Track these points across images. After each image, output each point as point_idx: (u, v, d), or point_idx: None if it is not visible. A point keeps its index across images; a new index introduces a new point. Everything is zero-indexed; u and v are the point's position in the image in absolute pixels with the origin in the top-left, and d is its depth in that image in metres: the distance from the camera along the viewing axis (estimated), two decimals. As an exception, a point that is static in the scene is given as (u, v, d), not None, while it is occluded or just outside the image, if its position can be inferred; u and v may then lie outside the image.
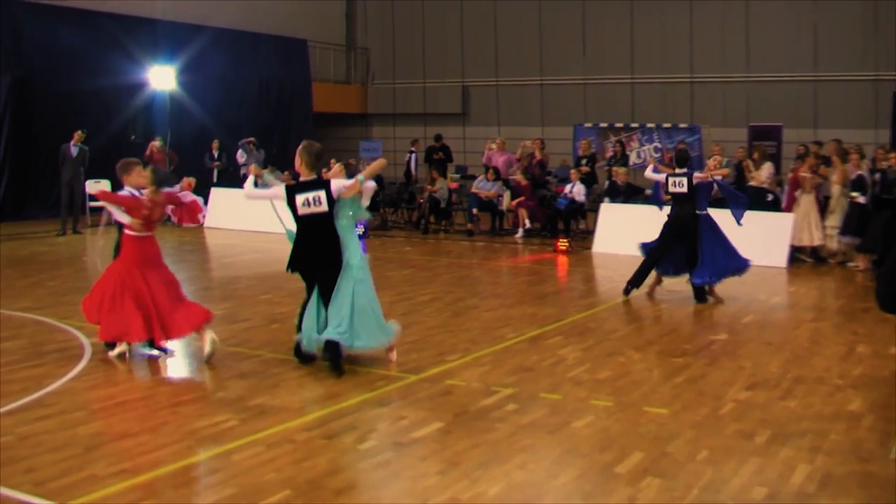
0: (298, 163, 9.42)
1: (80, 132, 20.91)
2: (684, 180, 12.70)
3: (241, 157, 24.63)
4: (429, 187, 21.91)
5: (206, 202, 22.71)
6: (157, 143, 23.01)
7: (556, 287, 14.86)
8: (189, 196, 9.98)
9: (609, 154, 23.21)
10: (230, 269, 16.58)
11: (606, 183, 20.72)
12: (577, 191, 19.98)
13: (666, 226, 12.94)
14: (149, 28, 26.10)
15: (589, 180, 21.05)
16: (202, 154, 24.89)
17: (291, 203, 9.14)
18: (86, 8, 24.82)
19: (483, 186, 21.28)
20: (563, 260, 17.30)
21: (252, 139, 25.15)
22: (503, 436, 7.08)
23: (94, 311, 9.37)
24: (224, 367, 9.20)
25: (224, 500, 5.82)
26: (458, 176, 25.78)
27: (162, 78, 24.11)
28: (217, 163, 24.72)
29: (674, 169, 13.14)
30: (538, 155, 21.88)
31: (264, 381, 8.60)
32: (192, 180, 10.17)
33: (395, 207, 23.62)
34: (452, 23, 31.39)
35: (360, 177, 9.45)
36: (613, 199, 19.40)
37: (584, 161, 21.69)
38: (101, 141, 22.32)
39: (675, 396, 8.18)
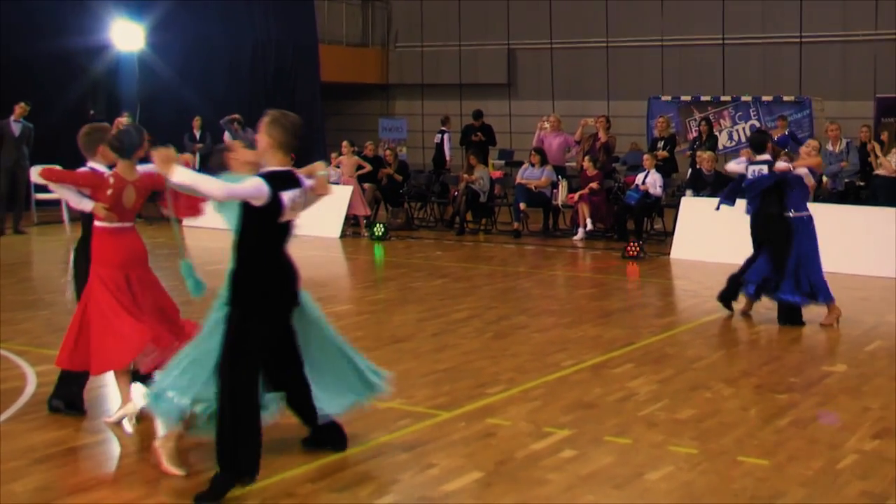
0: (267, 143, 7.94)
1: (22, 105, 20.99)
2: (765, 169, 12.65)
3: (228, 138, 24.75)
4: (465, 177, 21.89)
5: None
6: (123, 120, 23.11)
7: (624, 303, 14.81)
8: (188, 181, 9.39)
9: (692, 135, 23.17)
10: (217, 278, 16.49)
11: (689, 171, 20.66)
12: (651, 181, 19.92)
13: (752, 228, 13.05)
14: (109, -27, 26.23)
15: (667, 168, 21.00)
16: (181, 134, 24.97)
17: (274, 206, 7.49)
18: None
19: (530, 175, 21.24)
20: (633, 269, 17.27)
21: (237, 116, 25.17)
22: (558, 490, 7.06)
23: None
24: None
25: (206, 568, 5.84)
26: (501, 163, 25.82)
27: (127, 37, 24.15)
28: (199, 145, 24.81)
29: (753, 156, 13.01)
30: (603, 136, 21.84)
31: (257, 419, 8.61)
32: (189, 156, 9.84)
33: (423, 202, 23.64)
34: (493, -29, 31.41)
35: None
36: (698, 192, 19.32)
37: (660, 144, 21.65)
38: (50, 117, 22.42)
39: (778, 444, 8.12)
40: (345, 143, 22.72)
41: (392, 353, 10.91)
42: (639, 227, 20.03)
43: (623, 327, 12.53)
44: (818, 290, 12.46)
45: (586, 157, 20.95)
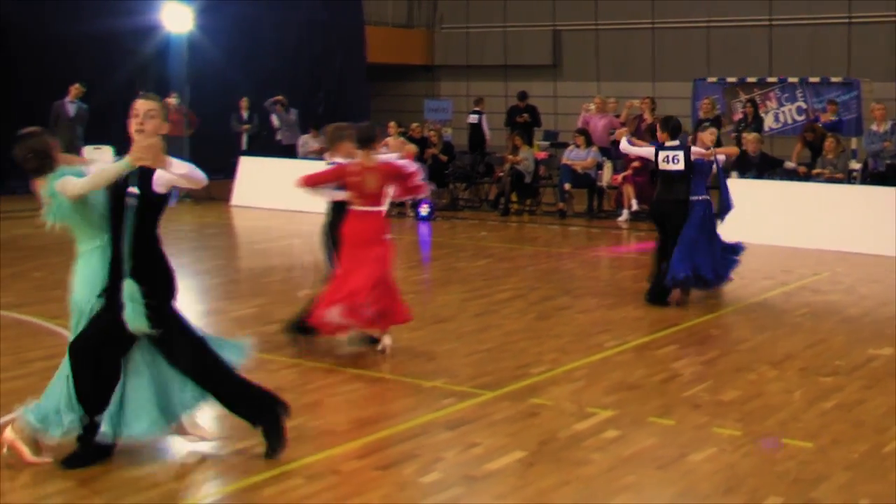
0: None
1: (77, 86, 21.19)
2: (680, 156, 12.47)
3: (276, 119, 24.85)
4: (510, 158, 21.86)
5: (233, 173, 23.16)
6: (172, 101, 23.22)
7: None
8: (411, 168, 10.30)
9: (738, 116, 23.01)
10: (262, 257, 16.72)
11: (735, 153, 20.54)
12: (697, 163, 19.82)
13: (655, 216, 12.90)
14: (160, -44, 26.36)
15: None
16: (228, 115, 25.08)
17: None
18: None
19: (575, 156, 21.18)
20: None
21: (281, 98, 25.29)
22: (600, 470, 7.04)
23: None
24: (255, 379, 9.23)
25: (252, 545, 5.88)
26: (546, 144, 25.74)
27: (177, 19, 24.23)
28: (247, 125, 24.92)
29: (662, 141, 12.70)
30: (648, 117, 21.73)
31: (304, 398, 8.65)
32: (413, 148, 11.15)
33: (468, 183, 23.62)
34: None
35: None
36: (743, 174, 19.21)
37: (706, 125, 21.51)
38: (101, 97, 22.56)
39: (822, 427, 8.06)
40: (392, 124, 22.71)
41: (435, 333, 10.93)
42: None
43: (667, 308, 12.47)
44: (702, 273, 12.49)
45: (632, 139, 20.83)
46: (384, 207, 10.11)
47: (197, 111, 23.84)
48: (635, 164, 20.15)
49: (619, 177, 20.51)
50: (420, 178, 10.35)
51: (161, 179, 6.93)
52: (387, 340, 10.07)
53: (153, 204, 7.05)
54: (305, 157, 23.89)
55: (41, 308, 12.06)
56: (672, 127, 12.69)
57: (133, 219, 6.98)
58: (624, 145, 13.30)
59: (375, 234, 9.93)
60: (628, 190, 20.29)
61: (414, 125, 23.75)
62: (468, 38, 32.97)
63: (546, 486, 6.72)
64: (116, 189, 6.92)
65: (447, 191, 22.98)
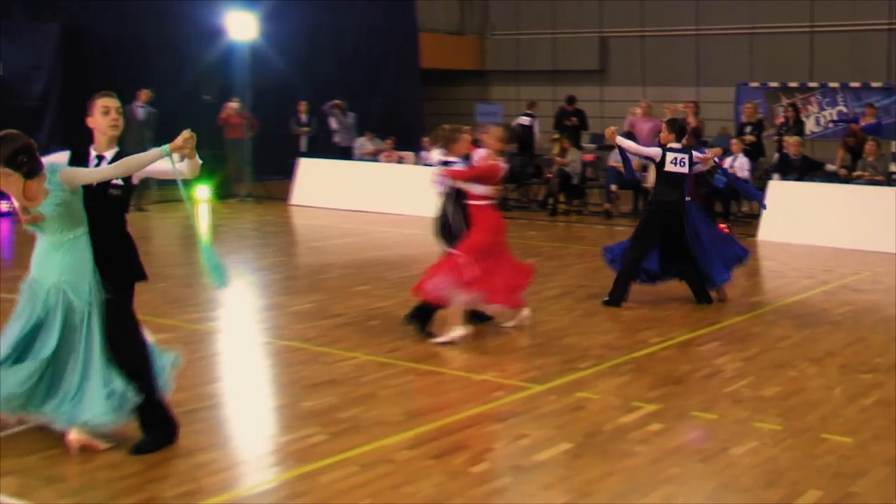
0: None
1: (146, 91, 21.36)
2: (686, 158, 12.32)
3: (334, 122, 24.92)
4: (558, 160, 21.83)
5: (293, 174, 23.26)
6: (234, 105, 23.35)
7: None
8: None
9: (780, 120, 22.82)
10: (320, 254, 16.77)
11: (776, 156, 20.41)
12: (739, 165, 19.69)
13: (657, 217, 12.43)
14: (226, -34, 26.50)
15: (754, 152, 20.75)
16: (288, 118, 25.18)
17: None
18: (148, -59, 25.29)
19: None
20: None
21: (339, 102, 25.36)
22: (644, 462, 7.02)
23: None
24: (311, 371, 9.30)
25: (309, 530, 5.89)
26: (593, 146, 25.65)
27: (241, 26, 24.35)
28: (305, 128, 25.00)
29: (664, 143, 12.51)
30: (692, 121, 21.61)
31: (359, 390, 8.68)
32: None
33: (518, 183, 23.57)
34: (588, -40, 31.20)
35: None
36: (785, 176, 19.10)
37: (748, 129, 21.39)
38: (167, 101, 22.72)
39: (863, 423, 7.99)
40: (445, 127, 22.64)
41: (486, 328, 10.92)
42: (726, 209, 19.82)
43: (710, 306, 12.37)
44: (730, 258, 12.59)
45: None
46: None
47: (258, 114, 23.93)
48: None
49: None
50: None
51: (153, 171, 7.58)
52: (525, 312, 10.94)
53: (129, 195, 7.60)
54: (361, 158, 23.95)
55: (109, 302, 12.14)
56: (678, 129, 12.60)
57: (114, 208, 7.46)
58: (625, 143, 12.82)
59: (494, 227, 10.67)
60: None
61: (466, 128, 23.67)
62: (518, 45, 32.92)
63: (592, 477, 6.70)
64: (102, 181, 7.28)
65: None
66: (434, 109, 31.67)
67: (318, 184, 22.66)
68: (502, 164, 10.77)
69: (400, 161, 23.60)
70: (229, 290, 13.45)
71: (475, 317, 10.91)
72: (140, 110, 21.22)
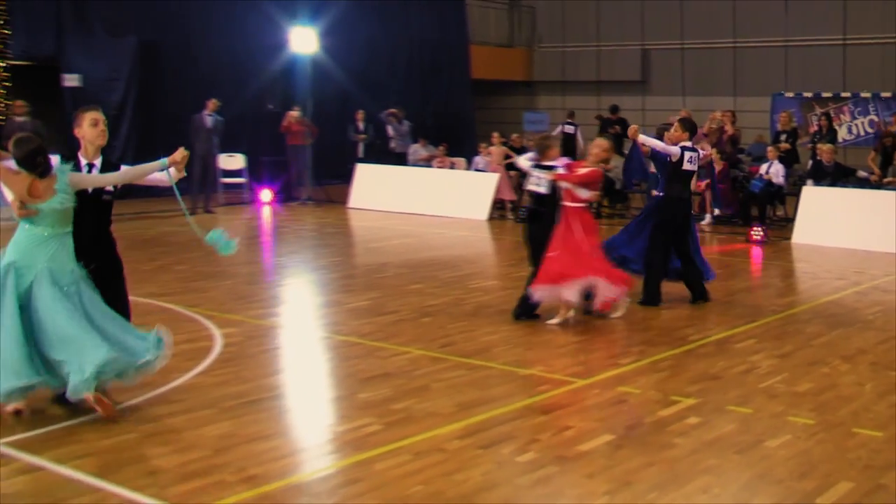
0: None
1: (214, 101, 21.50)
2: (696, 156, 12.28)
3: (391, 129, 24.98)
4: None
5: (350, 179, 23.34)
6: (295, 114, 23.43)
7: (748, 283, 14.57)
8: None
9: (813, 129, 22.64)
10: (376, 254, 16.79)
11: (810, 162, 20.23)
12: (774, 171, 19.56)
13: (675, 214, 12.15)
14: (289, -16, 26.63)
15: (789, 159, 20.59)
16: (346, 126, 25.28)
17: None
18: (220, -38, 25.51)
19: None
20: (757, 252, 16.96)
21: (395, 110, 25.44)
22: (683, 453, 6.97)
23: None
24: (367, 365, 9.32)
25: (364, 515, 5.90)
26: (635, 153, 25.53)
27: (303, 40, 24.42)
28: (362, 135, 25.08)
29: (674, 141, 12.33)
30: (729, 129, 21.49)
31: (412, 382, 8.68)
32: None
33: (563, 188, 23.50)
34: (631, -24, 31.10)
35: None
36: (818, 182, 18.92)
37: (783, 137, 21.24)
38: (234, 110, 22.87)
39: (892, 417, 7.88)
40: (495, 134, 22.68)
41: (533, 326, 10.89)
42: (762, 213, 19.67)
43: (746, 305, 12.32)
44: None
45: (714, 149, 20.64)
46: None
47: (318, 123, 24.00)
48: (719, 171, 19.98)
49: (703, 184, 20.30)
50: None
51: (149, 180, 8.35)
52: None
53: (113, 200, 8.30)
54: (415, 163, 23.98)
55: (182, 297, 12.26)
56: (690, 127, 12.50)
57: (105, 211, 8.28)
58: (649, 140, 12.50)
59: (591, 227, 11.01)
60: (710, 195, 20.08)
61: (514, 135, 23.77)
62: (564, 56, 32.86)
63: (632, 467, 6.67)
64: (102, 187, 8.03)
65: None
66: (484, 118, 31.70)
67: (374, 188, 22.70)
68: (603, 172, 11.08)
69: (452, 166, 23.61)
70: (291, 287, 13.54)
71: (526, 314, 11.00)
72: (208, 118, 21.35)
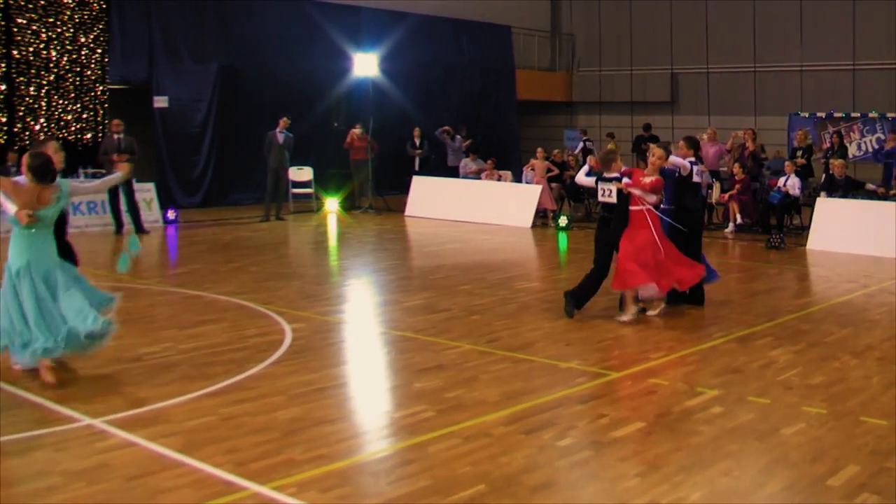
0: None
1: (285, 119, 21.66)
2: (700, 169, 12.39)
3: (454, 144, 25.08)
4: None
5: (407, 189, 23.39)
6: (357, 131, 23.51)
7: (767, 285, 14.45)
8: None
9: (826, 145, 22.44)
10: (431, 258, 16.81)
11: (823, 176, 20.05)
12: (791, 184, 19.39)
13: (691, 221, 11.88)
14: (352, 15, 26.75)
15: (804, 173, 20.42)
16: (403, 142, 25.35)
17: None
18: (291, -5, 25.69)
19: (690, 178, 20.91)
20: (775, 257, 16.82)
21: (447, 128, 25.47)
22: (707, 440, 6.94)
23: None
24: (422, 357, 9.34)
25: (418, 492, 5.91)
26: (665, 167, 25.40)
27: (365, 65, 24.56)
28: (418, 151, 25.14)
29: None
30: (750, 146, 21.33)
31: (462, 374, 8.69)
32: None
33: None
34: (661, 7, 30.98)
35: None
36: (831, 194, 18.73)
37: (799, 153, 21.06)
38: (303, 127, 23.01)
39: (896, 406, 7.82)
40: (539, 150, 22.64)
41: (572, 323, 10.87)
42: (780, 222, 19.49)
43: (766, 306, 12.21)
44: None
45: (736, 163, 20.52)
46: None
47: (378, 139, 24.07)
48: (739, 184, 19.85)
49: (727, 195, 20.19)
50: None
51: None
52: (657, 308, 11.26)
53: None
54: (466, 176, 23.97)
55: (256, 295, 12.32)
56: (694, 144, 12.42)
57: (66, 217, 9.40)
58: (674, 159, 11.73)
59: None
60: (734, 206, 19.94)
61: (556, 151, 23.71)
62: (601, 79, 32.77)
63: (661, 452, 6.64)
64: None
65: (583, 205, 22.84)
66: (528, 135, 31.70)
67: (428, 198, 22.73)
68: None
69: (499, 179, 23.58)
70: (354, 287, 13.58)
71: (578, 307, 11.14)
72: (280, 135, 21.49)
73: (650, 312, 11.23)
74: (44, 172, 8.26)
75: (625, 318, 10.92)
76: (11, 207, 8.17)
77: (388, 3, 27.65)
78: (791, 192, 19.39)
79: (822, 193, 18.99)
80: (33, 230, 8.24)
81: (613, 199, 11.05)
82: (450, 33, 30.15)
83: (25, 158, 8.40)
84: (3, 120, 20.90)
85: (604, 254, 11.14)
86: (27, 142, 20.82)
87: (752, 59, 29.00)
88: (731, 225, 19.95)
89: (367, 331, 10.92)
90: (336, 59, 25.37)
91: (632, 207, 10.97)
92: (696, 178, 12.00)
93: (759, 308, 12.03)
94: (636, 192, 10.93)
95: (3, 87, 20.90)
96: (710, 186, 20.51)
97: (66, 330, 8.09)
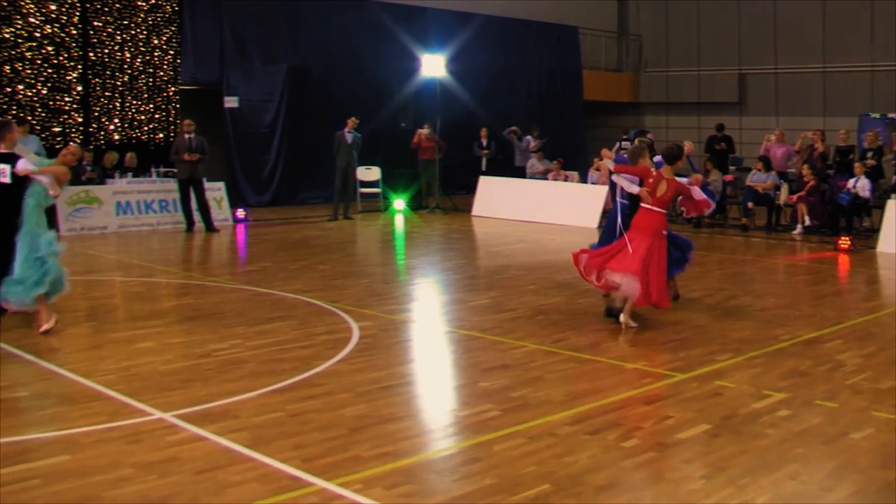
0: None
1: (353, 119, 21.80)
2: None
3: (522, 145, 25.06)
4: (702, 178, 21.45)
5: (474, 189, 23.39)
6: (424, 131, 23.58)
7: (835, 288, 14.26)
8: (699, 193, 11.27)
9: (898, 146, 22.05)
10: (497, 258, 16.81)
11: (894, 178, 19.72)
12: (861, 186, 19.10)
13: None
14: (420, 17, 26.85)
15: (875, 175, 20.09)
16: (470, 142, 25.36)
17: None
18: (359, -3, 25.86)
19: (757, 179, 20.71)
20: (844, 259, 16.58)
21: (515, 128, 25.44)
22: (774, 443, 6.85)
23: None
24: (487, 357, 9.34)
25: (482, 490, 5.90)
26: (733, 168, 25.16)
27: (432, 66, 24.64)
28: (485, 151, 25.15)
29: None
30: (819, 147, 21.06)
31: (527, 374, 8.67)
32: (699, 176, 11.92)
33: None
34: (728, 7, 30.69)
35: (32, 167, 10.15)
36: (903, 195, 18.44)
37: (869, 154, 20.72)
38: (370, 127, 23.15)
39: (968, 412, 7.66)
40: (604, 150, 22.49)
41: (638, 324, 10.80)
42: (849, 224, 19.24)
43: (834, 309, 12.05)
44: None
45: (805, 165, 20.26)
46: (664, 210, 10.70)
47: (446, 139, 24.12)
48: (809, 185, 19.59)
49: (795, 196, 19.95)
50: (702, 197, 11.39)
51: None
52: (623, 319, 10.54)
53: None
54: (532, 176, 23.94)
55: (323, 294, 12.41)
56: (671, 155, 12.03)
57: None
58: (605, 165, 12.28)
59: (656, 228, 10.54)
60: (802, 208, 19.70)
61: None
62: (668, 80, 32.56)
63: (727, 454, 6.57)
64: None
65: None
66: (595, 136, 31.55)
67: (495, 198, 22.74)
68: (654, 173, 10.89)
69: (565, 179, 23.52)
70: (420, 286, 13.60)
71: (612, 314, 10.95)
72: (348, 135, 21.62)
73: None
74: (79, 162, 10.58)
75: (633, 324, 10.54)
76: (51, 182, 10.13)
77: (454, 5, 27.70)
78: (861, 193, 19.11)
79: (893, 195, 18.68)
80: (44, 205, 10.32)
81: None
82: (516, 34, 30.11)
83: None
84: (80, 120, 21.29)
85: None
86: (102, 142, 21.18)
87: (821, 59, 28.63)
88: (799, 227, 19.70)
89: (434, 329, 10.94)
90: (404, 60, 25.49)
91: (643, 204, 10.77)
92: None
93: (828, 311, 11.86)
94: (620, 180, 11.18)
95: (80, 89, 21.30)
96: (777, 188, 20.31)
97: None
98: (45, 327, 9.93)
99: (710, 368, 8.93)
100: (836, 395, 8.08)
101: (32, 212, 10.00)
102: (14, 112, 20.26)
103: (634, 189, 10.82)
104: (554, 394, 8.02)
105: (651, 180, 10.64)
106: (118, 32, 21.80)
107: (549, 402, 7.76)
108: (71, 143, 17.41)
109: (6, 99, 20.32)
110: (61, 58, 21.07)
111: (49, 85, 20.91)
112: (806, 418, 7.42)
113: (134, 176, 20.43)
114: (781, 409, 7.63)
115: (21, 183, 9.93)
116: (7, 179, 9.89)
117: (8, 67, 20.35)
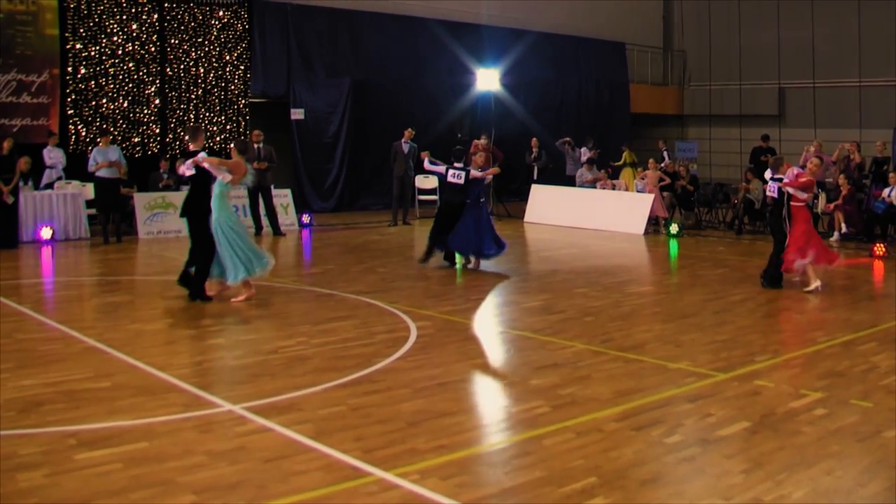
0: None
1: (410, 130, 21.88)
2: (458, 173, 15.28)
3: (575, 154, 24.96)
4: (743, 186, 21.29)
5: (527, 197, 23.36)
6: (481, 142, 23.58)
7: (871, 293, 14.07)
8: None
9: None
10: (548, 262, 16.79)
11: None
12: (895, 195, 18.86)
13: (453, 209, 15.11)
14: (475, 33, 26.87)
15: (910, 184, 19.80)
16: (523, 152, 25.35)
17: None
18: (418, 15, 25.96)
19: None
20: (879, 266, 16.35)
21: (568, 139, 25.38)
22: (810, 440, 6.80)
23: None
24: (538, 356, 9.35)
25: (532, 482, 5.92)
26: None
27: (487, 80, 24.67)
28: (537, 160, 25.11)
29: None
30: (856, 158, 20.80)
31: (576, 372, 8.67)
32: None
33: (710, 207, 23.08)
34: (768, 23, 30.41)
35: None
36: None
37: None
38: (428, 138, 23.20)
39: None
40: (651, 161, 22.44)
41: (681, 326, 10.76)
42: (885, 231, 18.99)
43: (870, 312, 11.90)
44: None
45: (842, 175, 20.02)
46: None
47: (499, 149, 24.10)
48: (844, 193, 19.36)
49: (832, 205, 19.71)
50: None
51: None
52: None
53: None
54: (581, 185, 23.87)
55: (383, 295, 12.47)
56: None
57: None
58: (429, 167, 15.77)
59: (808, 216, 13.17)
60: (839, 216, 19.46)
61: (667, 162, 23.45)
62: (710, 93, 32.33)
63: (766, 450, 6.54)
64: None
65: (693, 213, 22.56)
66: (642, 146, 31.36)
67: (546, 205, 22.71)
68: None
69: (613, 188, 23.42)
70: (475, 289, 13.61)
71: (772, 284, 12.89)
72: (405, 145, 21.70)
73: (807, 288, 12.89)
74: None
75: (810, 287, 12.90)
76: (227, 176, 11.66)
77: (508, 21, 27.71)
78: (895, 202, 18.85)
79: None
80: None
81: (775, 195, 13.20)
82: (567, 49, 30.06)
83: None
84: (157, 131, 21.59)
85: (778, 237, 13.36)
86: (178, 151, 21.46)
87: (857, 73, 28.28)
88: (836, 234, 19.46)
89: (488, 330, 10.96)
90: (460, 74, 25.55)
91: (794, 203, 12.95)
92: (451, 180, 15.15)
93: (864, 314, 11.71)
94: (791, 190, 12.89)
95: (158, 102, 21.61)
96: (816, 196, 20.06)
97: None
98: (238, 299, 11.79)
99: (750, 369, 8.86)
100: (871, 395, 7.99)
101: (216, 199, 11.79)
102: (98, 124, 20.63)
103: (803, 195, 12.92)
104: (601, 391, 8.02)
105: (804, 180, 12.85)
106: (193, 49, 22.12)
107: (597, 400, 7.75)
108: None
109: (91, 112, 20.69)
110: (141, 73, 21.44)
111: (130, 98, 21.28)
112: (841, 417, 7.35)
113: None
114: (818, 408, 7.57)
115: (203, 175, 11.75)
116: (192, 171, 11.85)
117: (93, 83, 20.74)
